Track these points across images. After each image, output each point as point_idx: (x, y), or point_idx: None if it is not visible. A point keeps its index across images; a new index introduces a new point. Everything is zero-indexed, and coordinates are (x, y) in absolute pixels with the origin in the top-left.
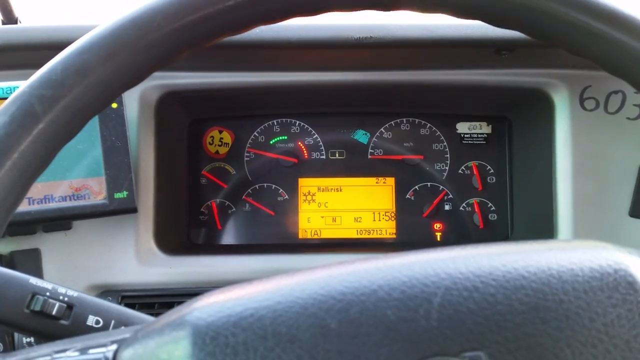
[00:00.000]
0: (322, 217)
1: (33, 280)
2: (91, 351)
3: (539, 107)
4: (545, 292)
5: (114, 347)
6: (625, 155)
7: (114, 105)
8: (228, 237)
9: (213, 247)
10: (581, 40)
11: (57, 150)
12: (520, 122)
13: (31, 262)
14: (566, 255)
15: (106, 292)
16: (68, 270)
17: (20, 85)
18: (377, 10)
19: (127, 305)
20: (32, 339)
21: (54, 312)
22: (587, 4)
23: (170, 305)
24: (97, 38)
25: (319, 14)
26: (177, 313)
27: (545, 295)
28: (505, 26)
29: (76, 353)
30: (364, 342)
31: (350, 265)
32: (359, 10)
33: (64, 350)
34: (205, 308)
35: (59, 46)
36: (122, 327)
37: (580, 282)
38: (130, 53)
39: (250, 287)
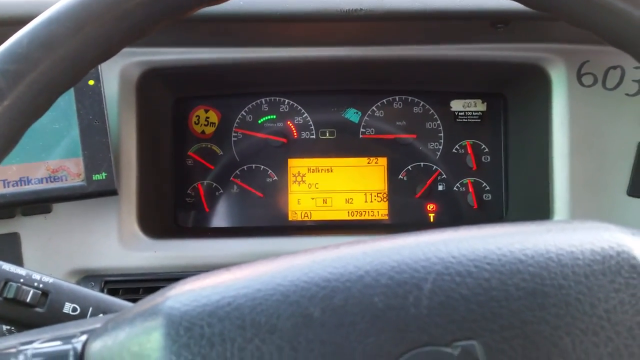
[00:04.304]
0: (313, 198)
1: (6, 267)
2: (59, 342)
3: (535, 83)
4: (544, 277)
5: (83, 338)
6: (624, 133)
7: (91, 82)
8: (216, 220)
9: (200, 230)
10: (582, 10)
11: (24, 129)
12: (516, 99)
13: (10, 246)
14: (566, 237)
15: (88, 277)
16: (49, 255)
17: None
18: None
19: (111, 290)
20: (12, 327)
21: (28, 300)
22: None
23: (154, 290)
24: (65, 9)
25: None
26: (149, 302)
27: (543, 280)
28: None
29: (44, 345)
30: (349, 331)
31: (335, 250)
32: None
33: (31, 342)
34: (180, 297)
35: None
36: (97, 316)
37: (580, 266)
38: (100, 24)
39: (228, 273)
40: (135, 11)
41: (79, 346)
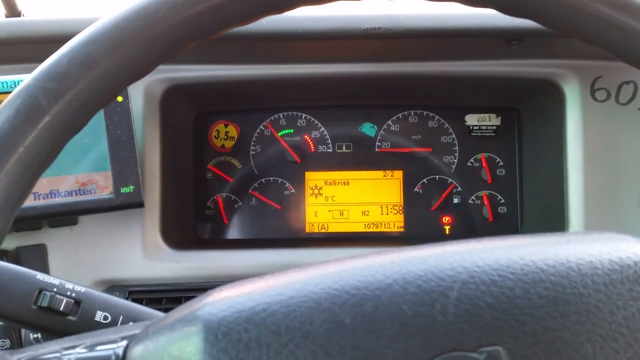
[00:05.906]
0: (330, 211)
1: (40, 276)
2: (101, 347)
3: (549, 98)
4: (565, 286)
5: (124, 343)
6: (637, 147)
7: (120, 98)
8: (234, 232)
9: (220, 242)
10: (596, 29)
11: (63, 143)
12: (530, 114)
13: (37, 257)
14: (585, 247)
15: (113, 287)
16: (74, 266)
17: (25, 78)
18: None
19: (135, 300)
20: (39, 335)
21: (61, 308)
22: None
23: (177, 300)
24: (103, 29)
25: (326, 3)
26: (188, 308)
27: (564, 289)
28: (519, 15)
29: (85, 350)
30: (379, 337)
31: (365, 259)
32: None
33: (73, 347)
34: (217, 303)
35: (62, 39)
36: (131, 323)
37: (600, 275)
38: (136, 45)
39: (262, 281)
40: (169, 33)
41: (120, 351)
